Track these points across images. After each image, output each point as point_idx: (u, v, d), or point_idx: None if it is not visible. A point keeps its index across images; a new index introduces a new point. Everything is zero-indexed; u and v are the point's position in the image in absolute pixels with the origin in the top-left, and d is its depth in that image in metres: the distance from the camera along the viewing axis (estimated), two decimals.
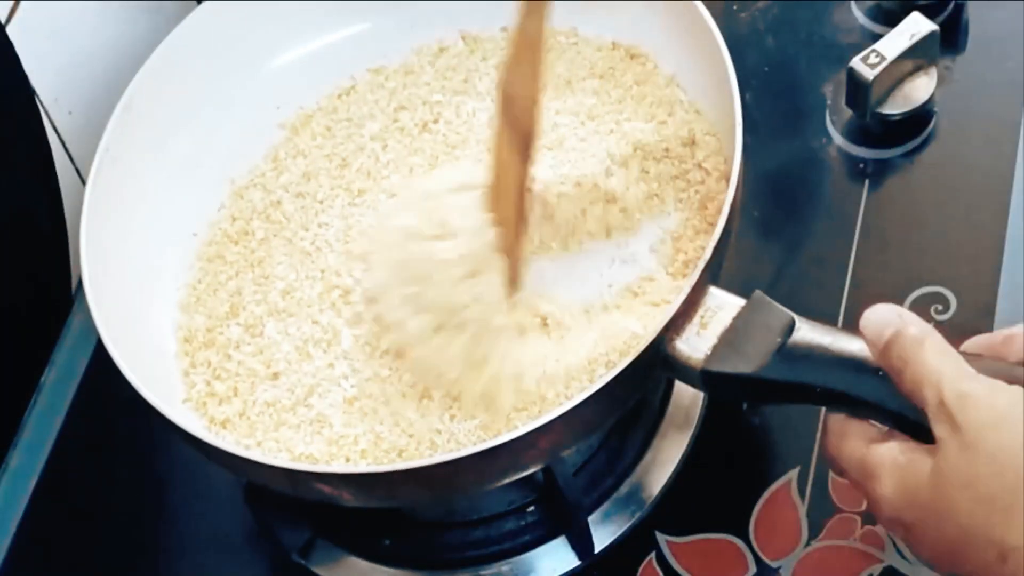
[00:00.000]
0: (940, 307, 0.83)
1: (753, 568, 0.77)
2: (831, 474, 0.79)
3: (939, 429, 0.60)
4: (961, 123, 0.90)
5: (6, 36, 0.86)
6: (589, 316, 0.74)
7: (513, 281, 0.72)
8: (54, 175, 0.93)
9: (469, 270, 0.71)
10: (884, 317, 0.64)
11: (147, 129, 0.84)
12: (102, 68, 0.95)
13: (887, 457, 0.62)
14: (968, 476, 0.58)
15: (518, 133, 0.69)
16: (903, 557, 0.76)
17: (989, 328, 0.80)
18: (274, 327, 0.79)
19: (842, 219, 0.88)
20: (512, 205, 0.71)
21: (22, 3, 0.87)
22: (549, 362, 0.71)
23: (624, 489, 0.81)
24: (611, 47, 0.85)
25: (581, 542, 0.79)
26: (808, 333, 0.68)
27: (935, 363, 0.61)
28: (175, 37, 0.86)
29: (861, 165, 0.90)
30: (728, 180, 0.74)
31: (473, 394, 0.71)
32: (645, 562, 0.78)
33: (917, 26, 0.88)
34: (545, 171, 0.76)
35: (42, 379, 0.91)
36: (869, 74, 0.87)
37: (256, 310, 0.80)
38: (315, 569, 0.81)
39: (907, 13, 0.89)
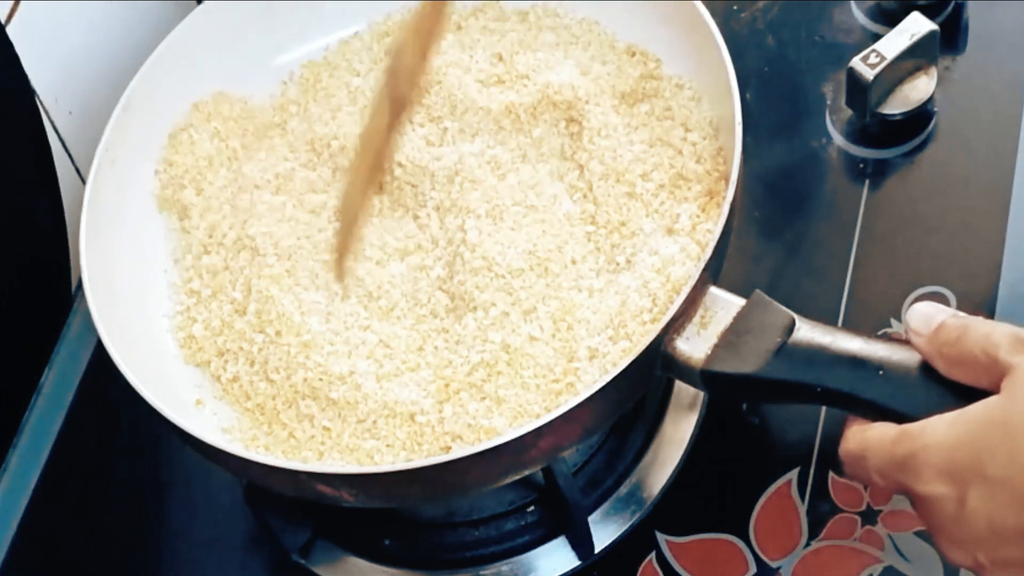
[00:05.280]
0: None
1: (753, 568, 0.77)
2: (831, 474, 0.79)
3: (1016, 359, 0.60)
4: (961, 123, 0.90)
5: (6, 36, 0.86)
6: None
7: (343, 254, 0.72)
8: (54, 175, 0.93)
9: None
10: (933, 308, 0.65)
11: (147, 129, 0.84)
12: (102, 68, 0.95)
13: (931, 418, 0.62)
14: None
15: (396, 101, 0.68)
16: (903, 557, 0.76)
17: None
18: (277, 325, 0.79)
19: (842, 219, 0.88)
20: (366, 170, 0.70)
21: (22, 3, 0.87)
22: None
23: (624, 489, 0.81)
24: (611, 45, 0.85)
25: (581, 542, 0.79)
26: (808, 333, 0.68)
27: (997, 323, 0.62)
28: (175, 37, 0.86)
29: (861, 165, 0.90)
30: (728, 180, 0.74)
31: None
32: (645, 562, 0.78)
33: (917, 26, 0.88)
34: None
35: (42, 379, 0.91)
36: (869, 74, 0.87)
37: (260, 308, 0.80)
38: (315, 569, 0.81)
39: (907, 13, 0.89)
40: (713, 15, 0.79)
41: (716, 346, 0.69)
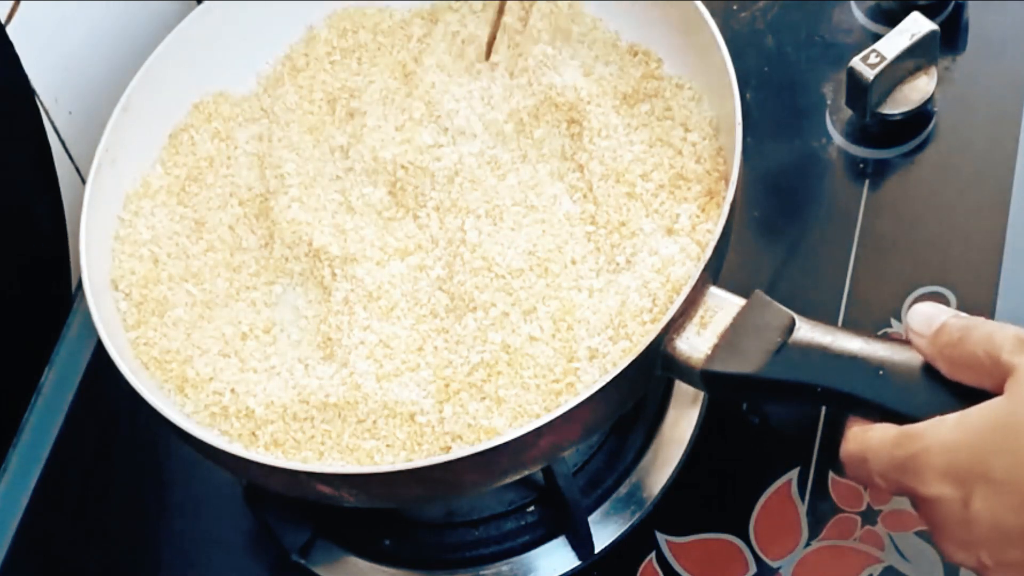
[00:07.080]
0: None
1: (753, 568, 0.77)
2: (831, 474, 0.79)
3: (1019, 360, 0.60)
4: (961, 123, 0.90)
5: (6, 36, 0.86)
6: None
7: (489, 46, 0.86)
8: (54, 175, 0.93)
9: None
10: (934, 309, 0.65)
11: (147, 129, 0.84)
12: (102, 68, 0.95)
13: (933, 419, 0.62)
14: None
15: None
16: (903, 557, 0.76)
17: None
18: (279, 329, 0.79)
19: (842, 219, 0.88)
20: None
21: (22, 3, 0.87)
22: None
23: (624, 489, 0.81)
24: (614, 44, 0.85)
25: (581, 542, 0.79)
26: (808, 333, 0.68)
27: (999, 323, 0.62)
28: (175, 37, 0.86)
29: (861, 165, 0.90)
30: (728, 180, 0.74)
31: None
32: (645, 562, 0.78)
33: (917, 26, 0.88)
34: None
35: (42, 379, 0.91)
36: (869, 74, 0.87)
37: (261, 309, 0.80)
38: (315, 569, 0.81)
39: (907, 13, 0.89)
40: (713, 15, 0.79)
41: (716, 346, 0.69)
